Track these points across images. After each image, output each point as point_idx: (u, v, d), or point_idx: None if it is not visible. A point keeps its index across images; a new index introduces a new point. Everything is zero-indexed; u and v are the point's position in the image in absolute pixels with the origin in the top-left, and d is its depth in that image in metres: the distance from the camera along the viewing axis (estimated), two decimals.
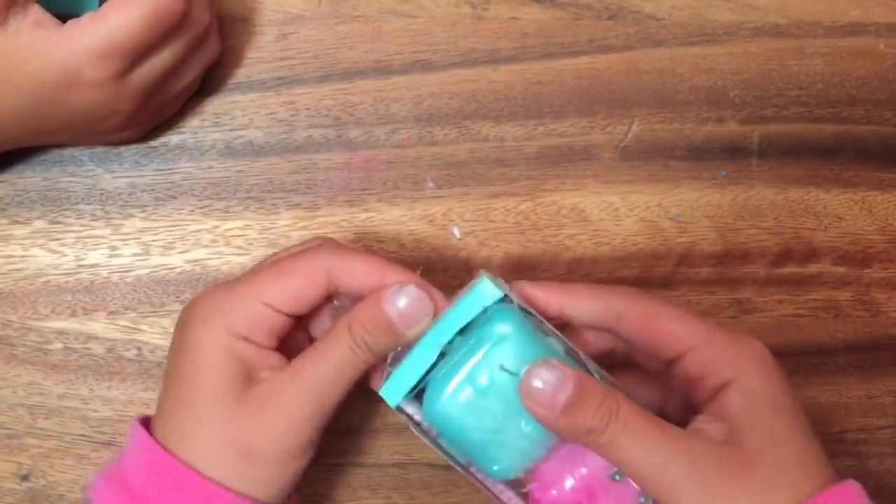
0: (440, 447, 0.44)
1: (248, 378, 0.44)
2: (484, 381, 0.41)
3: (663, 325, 0.44)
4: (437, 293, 0.44)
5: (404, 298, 0.43)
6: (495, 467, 0.43)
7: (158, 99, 0.51)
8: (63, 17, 0.46)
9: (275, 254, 0.49)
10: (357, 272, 0.44)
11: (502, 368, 0.41)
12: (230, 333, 0.44)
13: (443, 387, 0.42)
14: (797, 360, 0.58)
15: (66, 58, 0.45)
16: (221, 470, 0.43)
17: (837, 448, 0.58)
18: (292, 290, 0.44)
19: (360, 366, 0.43)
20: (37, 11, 0.45)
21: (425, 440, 0.44)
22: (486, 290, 0.43)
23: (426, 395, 0.42)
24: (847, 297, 0.59)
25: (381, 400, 0.44)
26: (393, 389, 0.43)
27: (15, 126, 0.49)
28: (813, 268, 0.58)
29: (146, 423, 0.46)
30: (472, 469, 0.44)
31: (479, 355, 0.42)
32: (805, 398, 0.58)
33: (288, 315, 0.45)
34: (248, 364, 0.44)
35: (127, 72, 0.47)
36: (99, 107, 0.48)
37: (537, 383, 0.40)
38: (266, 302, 0.44)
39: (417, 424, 0.44)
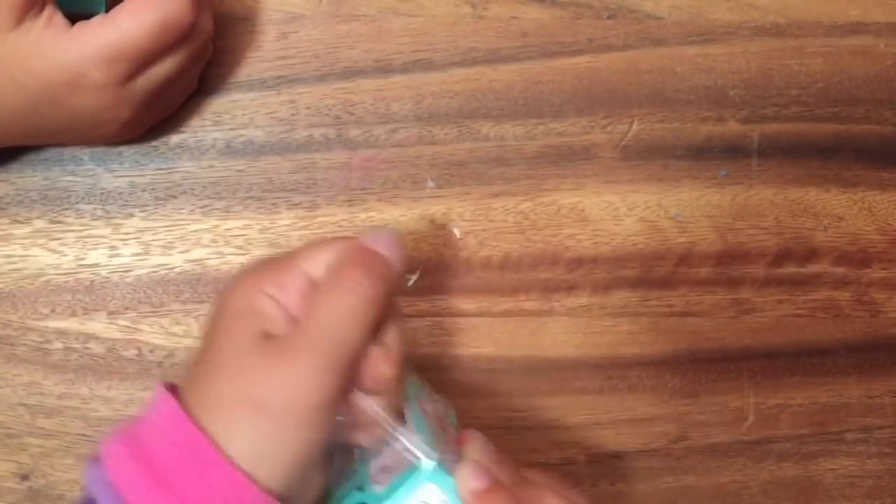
0: None
1: (269, 335, 0.42)
2: None
3: None
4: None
5: (376, 233, 0.44)
6: None
7: (157, 106, 0.52)
8: (70, 17, 0.46)
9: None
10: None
11: None
12: (259, 289, 0.43)
13: None
14: (797, 360, 0.58)
15: (73, 59, 0.45)
16: (232, 430, 0.40)
17: (837, 448, 0.59)
18: (325, 257, 0.43)
19: (367, 308, 0.42)
20: (50, 10, 0.45)
21: None
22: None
23: None
24: (847, 298, 0.59)
25: None
26: None
27: (15, 124, 0.49)
28: (812, 268, 0.58)
29: (172, 389, 0.43)
30: None
31: None
32: (805, 398, 0.58)
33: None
34: (270, 321, 0.42)
35: (130, 78, 0.47)
36: (100, 111, 0.48)
37: None
38: (300, 266, 0.43)
39: None
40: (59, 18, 0.45)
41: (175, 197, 0.55)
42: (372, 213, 0.56)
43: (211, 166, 0.56)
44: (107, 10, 0.47)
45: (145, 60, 0.47)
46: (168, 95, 0.52)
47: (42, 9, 0.45)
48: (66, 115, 0.48)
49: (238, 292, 0.44)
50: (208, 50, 0.53)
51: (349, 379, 0.42)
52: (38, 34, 0.45)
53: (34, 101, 0.47)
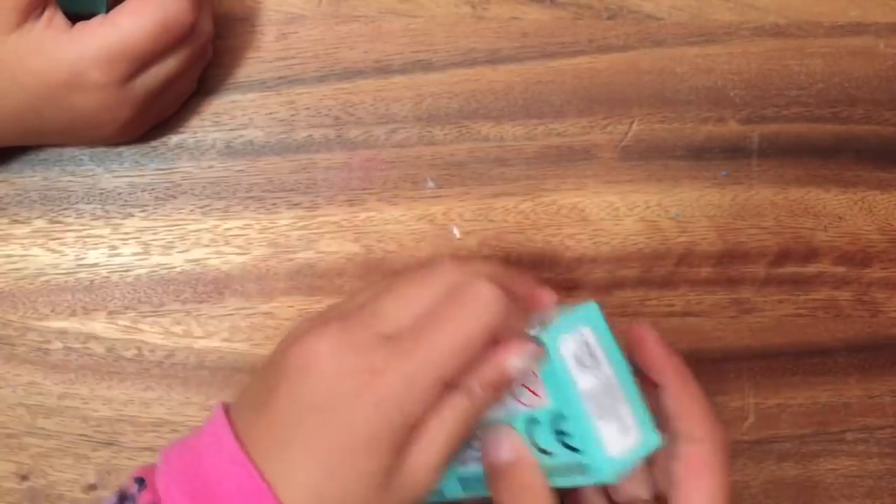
0: None
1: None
2: None
3: (696, 406, 0.44)
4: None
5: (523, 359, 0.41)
6: None
7: (156, 107, 0.52)
8: (71, 16, 0.46)
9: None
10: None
11: None
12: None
13: None
14: (797, 360, 0.58)
15: (73, 59, 0.45)
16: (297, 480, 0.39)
17: (837, 448, 0.58)
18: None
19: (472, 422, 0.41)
20: (51, 10, 0.45)
21: None
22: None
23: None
24: (847, 297, 0.59)
25: None
26: None
27: (14, 123, 0.49)
28: (813, 268, 0.58)
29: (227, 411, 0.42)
30: None
31: None
32: (805, 398, 0.58)
33: None
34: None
35: (130, 78, 0.47)
36: (99, 111, 0.48)
37: None
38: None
39: None
40: (60, 18, 0.46)
41: (175, 197, 0.55)
42: (372, 213, 0.56)
43: (211, 166, 0.56)
44: (107, 11, 0.47)
45: (145, 61, 0.47)
46: (168, 96, 0.52)
47: (43, 9, 0.45)
48: (66, 115, 0.48)
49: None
50: (208, 51, 0.53)
51: None
52: (38, 34, 0.45)
53: (35, 102, 0.47)
